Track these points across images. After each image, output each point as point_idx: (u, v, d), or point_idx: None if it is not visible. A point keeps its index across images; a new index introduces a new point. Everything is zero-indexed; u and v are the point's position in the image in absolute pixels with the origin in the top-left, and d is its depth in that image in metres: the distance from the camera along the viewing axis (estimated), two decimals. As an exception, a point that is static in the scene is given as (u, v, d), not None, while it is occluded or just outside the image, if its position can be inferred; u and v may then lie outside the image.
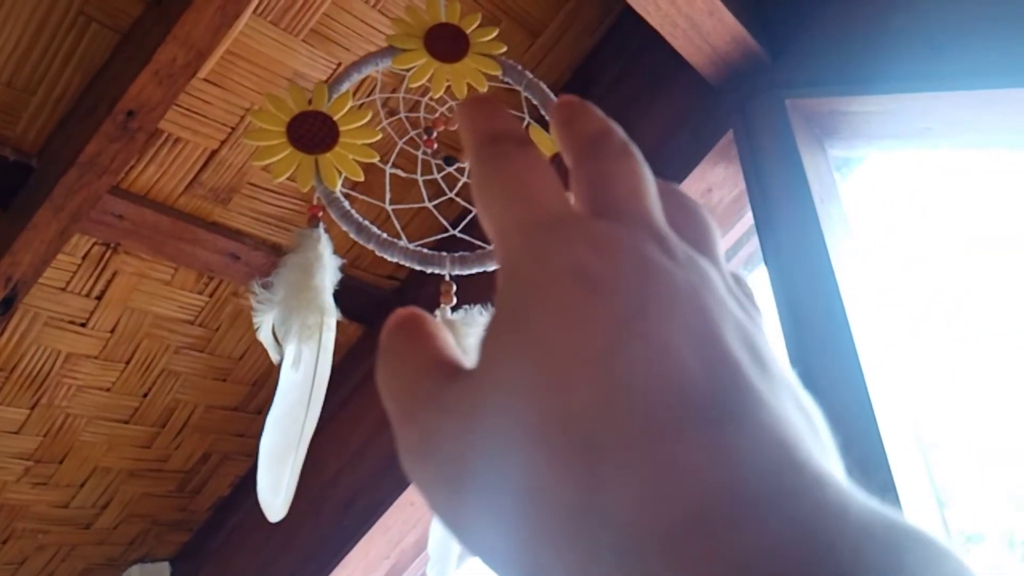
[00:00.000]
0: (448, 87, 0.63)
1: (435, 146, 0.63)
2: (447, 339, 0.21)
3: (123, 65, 1.03)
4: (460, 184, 0.62)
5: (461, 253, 0.56)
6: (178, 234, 1.26)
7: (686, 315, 0.17)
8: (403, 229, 0.58)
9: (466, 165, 0.63)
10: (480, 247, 0.57)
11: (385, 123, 0.61)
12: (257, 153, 0.53)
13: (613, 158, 0.21)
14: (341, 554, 1.45)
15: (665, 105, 1.27)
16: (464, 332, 0.53)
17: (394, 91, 1.07)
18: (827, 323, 0.96)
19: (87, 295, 1.30)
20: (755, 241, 1.33)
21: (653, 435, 0.15)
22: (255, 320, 0.51)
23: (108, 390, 1.43)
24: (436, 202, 0.61)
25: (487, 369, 0.18)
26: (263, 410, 1.61)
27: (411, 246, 0.54)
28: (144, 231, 1.23)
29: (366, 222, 0.54)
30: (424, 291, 1.53)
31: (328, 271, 0.52)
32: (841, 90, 1.11)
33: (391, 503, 1.43)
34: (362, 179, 0.54)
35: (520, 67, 0.66)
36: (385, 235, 0.54)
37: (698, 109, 1.23)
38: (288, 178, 0.53)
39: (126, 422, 1.49)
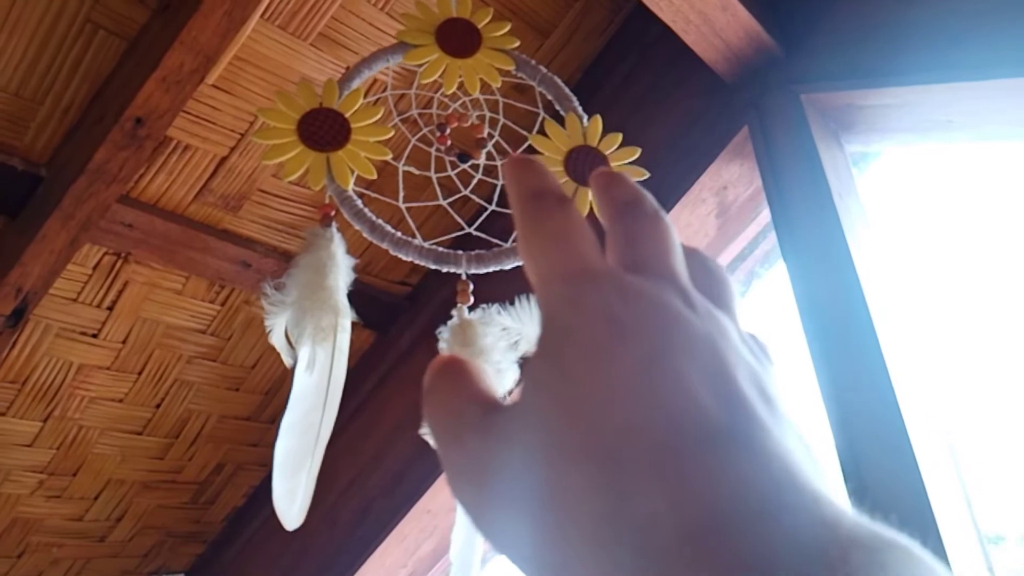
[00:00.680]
0: (460, 83, 0.61)
1: (448, 142, 0.61)
2: (485, 379, 0.24)
3: (131, 72, 1.02)
4: (475, 181, 0.60)
5: (477, 251, 0.54)
6: (188, 242, 1.25)
7: (703, 358, 0.20)
8: (417, 228, 0.56)
9: (480, 161, 0.62)
10: (497, 245, 0.56)
11: (397, 119, 0.60)
12: (267, 152, 0.51)
13: (644, 221, 0.24)
14: (357, 564, 1.43)
15: (678, 103, 1.26)
16: (482, 331, 0.52)
17: (406, 88, 1.06)
18: (850, 319, 0.94)
19: (98, 305, 1.29)
20: (772, 239, 1.31)
21: (672, 456, 0.18)
22: (267, 323, 0.50)
23: (121, 401, 1.42)
24: (451, 200, 0.60)
25: (528, 399, 0.21)
26: (276, 419, 1.59)
27: (426, 244, 0.53)
28: (154, 240, 1.22)
29: (380, 221, 0.52)
30: (437, 296, 1.51)
31: (342, 271, 0.51)
32: (857, 83, 1.09)
33: (406, 511, 1.41)
34: (375, 177, 0.53)
35: (533, 62, 0.65)
36: (399, 234, 0.52)
37: (711, 106, 1.21)
38: (299, 177, 0.52)
39: (139, 433, 1.48)
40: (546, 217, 0.23)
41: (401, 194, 0.57)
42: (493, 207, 0.60)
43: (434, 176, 0.60)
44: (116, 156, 1.03)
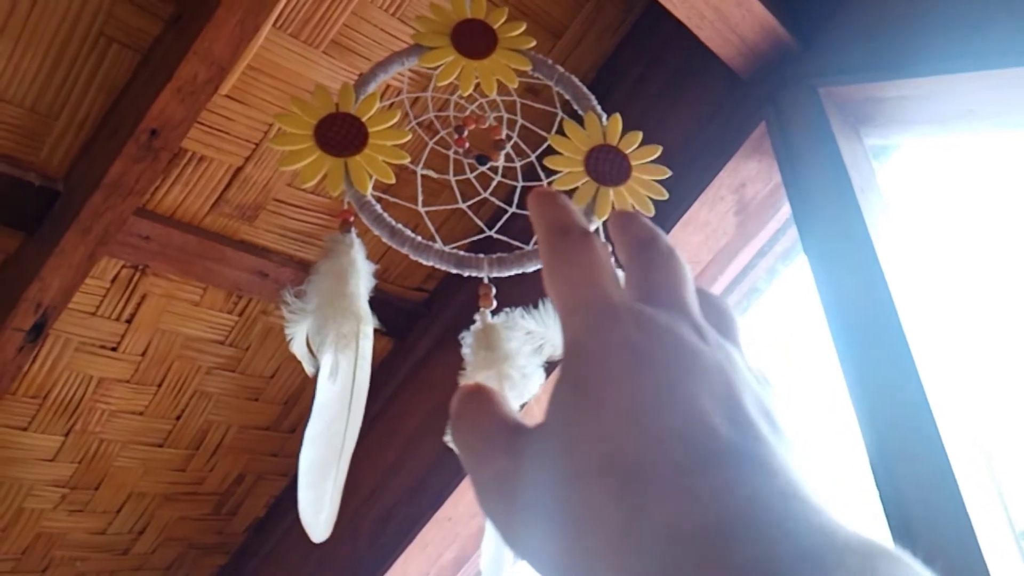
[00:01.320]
0: (477, 84, 0.60)
1: (467, 145, 0.60)
2: (508, 405, 0.26)
3: (145, 84, 1.02)
4: (494, 183, 0.59)
5: (499, 254, 0.53)
6: (205, 253, 1.25)
7: (714, 384, 0.22)
8: (436, 232, 0.56)
9: (499, 163, 0.61)
10: (518, 247, 0.55)
11: (414, 122, 0.59)
12: (284, 158, 0.51)
13: (660, 259, 0.26)
14: (380, 572, 1.42)
15: (693, 100, 1.24)
16: (506, 336, 0.51)
17: (421, 92, 1.05)
18: (876, 314, 0.92)
19: (117, 319, 1.30)
20: (791, 235, 1.29)
21: (687, 471, 0.19)
22: (288, 331, 0.49)
23: (141, 414, 1.42)
24: (470, 203, 0.59)
25: (552, 421, 0.23)
26: (296, 429, 1.59)
27: (447, 249, 0.52)
28: (171, 251, 1.22)
29: (399, 226, 0.52)
30: (454, 301, 1.50)
31: (363, 277, 0.50)
32: (876, 76, 1.08)
33: (428, 519, 1.40)
34: (393, 181, 0.52)
35: (550, 61, 0.64)
36: (420, 238, 0.51)
37: (728, 103, 1.20)
38: (316, 183, 0.51)
39: (160, 446, 1.48)
40: (571, 251, 0.25)
41: (420, 198, 0.56)
42: (513, 209, 0.59)
43: (452, 179, 0.59)
44: (132, 169, 1.03)
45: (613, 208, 0.30)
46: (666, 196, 0.58)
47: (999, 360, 1.15)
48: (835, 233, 1.00)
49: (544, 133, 0.60)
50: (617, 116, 0.60)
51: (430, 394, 1.48)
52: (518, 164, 0.63)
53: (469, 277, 0.53)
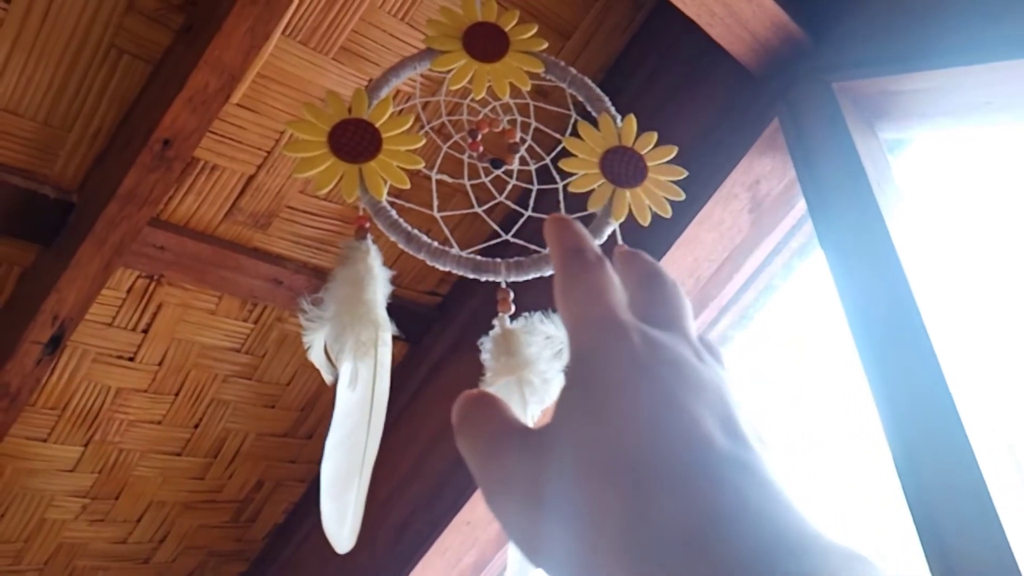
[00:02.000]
0: (489, 87, 0.60)
1: (481, 148, 0.60)
2: (510, 410, 0.28)
3: (157, 95, 1.02)
4: (510, 187, 0.59)
5: (516, 259, 0.53)
6: (220, 262, 1.26)
7: (710, 399, 0.24)
8: (451, 236, 0.55)
9: (514, 167, 0.61)
10: (534, 251, 0.54)
11: (428, 127, 0.59)
12: (298, 165, 0.50)
13: (662, 290, 0.29)
14: (400, 578, 1.42)
15: (705, 98, 1.23)
16: (525, 341, 0.50)
17: (432, 97, 1.05)
18: (896, 309, 0.91)
19: (133, 329, 1.30)
20: (805, 231, 1.28)
21: (686, 473, 0.21)
22: (305, 339, 0.49)
23: (159, 423, 1.42)
24: (486, 207, 0.58)
25: (560, 422, 0.25)
26: (313, 435, 1.59)
27: (464, 254, 0.51)
28: (186, 261, 1.23)
29: (416, 231, 0.51)
30: (467, 305, 1.50)
31: (380, 283, 0.50)
32: (890, 69, 1.06)
33: (446, 524, 1.40)
34: (408, 187, 0.51)
35: (563, 63, 0.63)
36: (436, 244, 0.51)
37: (740, 100, 1.19)
38: (330, 190, 0.51)
39: (178, 454, 1.48)
40: (584, 271, 0.28)
41: (435, 203, 0.56)
42: (529, 212, 0.59)
43: (467, 183, 0.59)
44: (146, 179, 1.03)
45: (619, 248, 0.32)
46: (683, 197, 0.57)
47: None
48: (852, 228, 0.99)
49: (557, 135, 0.60)
50: (632, 117, 0.59)
51: (446, 399, 1.48)
52: (532, 167, 0.62)
53: (483, 281, 0.53)
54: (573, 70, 0.62)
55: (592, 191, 0.56)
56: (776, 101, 1.13)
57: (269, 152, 1.21)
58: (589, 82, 0.62)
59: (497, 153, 0.62)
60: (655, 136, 0.59)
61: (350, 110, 0.53)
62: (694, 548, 0.19)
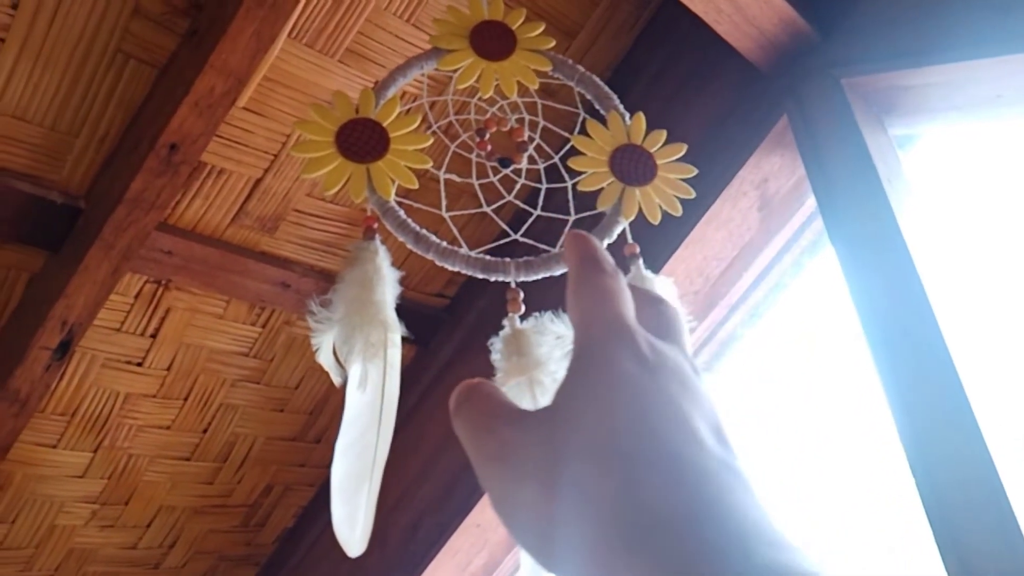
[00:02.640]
0: (496, 86, 0.60)
1: (489, 147, 0.59)
2: (506, 395, 0.30)
3: (163, 99, 1.02)
4: (519, 186, 0.59)
5: (526, 258, 0.52)
6: (227, 266, 1.25)
7: (704, 408, 0.26)
8: (460, 236, 0.55)
9: (522, 166, 0.60)
10: (543, 250, 0.54)
11: (435, 126, 0.58)
12: (306, 166, 0.50)
13: (664, 314, 0.32)
14: (410, 580, 1.42)
15: (712, 96, 1.23)
16: (536, 341, 0.50)
17: (439, 96, 1.04)
18: (908, 305, 0.90)
19: (142, 334, 1.30)
20: (815, 228, 1.27)
21: (675, 464, 0.23)
22: (314, 341, 0.48)
23: (168, 428, 1.42)
24: (495, 207, 0.58)
25: (561, 404, 0.27)
26: (322, 439, 1.59)
27: (473, 254, 0.51)
28: (194, 265, 1.23)
29: (424, 231, 0.51)
30: (475, 306, 1.50)
31: (389, 284, 0.49)
32: (899, 64, 1.05)
33: (457, 526, 1.40)
34: (417, 187, 0.51)
35: (570, 61, 0.63)
36: (445, 244, 0.51)
37: (748, 97, 1.18)
38: (338, 190, 0.51)
39: (187, 459, 1.48)
40: (598, 278, 0.29)
41: (444, 203, 0.56)
42: (538, 211, 0.58)
43: (476, 183, 0.58)
44: (153, 183, 1.03)
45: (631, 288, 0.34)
46: (693, 195, 0.57)
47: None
48: (863, 225, 0.98)
49: (565, 134, 0.59)
50: (640, 115, 0.59)
51: (455, 400, 1.47)
52: (541, 166, 0.62)
53: (491, 281, 0.52)
54: (581, 68, 0.62)
55: (601, 189, 0.55)
56: (784, 98, 1.13)
57: (276, 155, 1.21)
58: (597, 80, 0.62)
59: (505, 152, 0.61)
60: (664, 134, 0.58)
61: (357, 110, 0.53)
62: (678, 529, 0.21)
